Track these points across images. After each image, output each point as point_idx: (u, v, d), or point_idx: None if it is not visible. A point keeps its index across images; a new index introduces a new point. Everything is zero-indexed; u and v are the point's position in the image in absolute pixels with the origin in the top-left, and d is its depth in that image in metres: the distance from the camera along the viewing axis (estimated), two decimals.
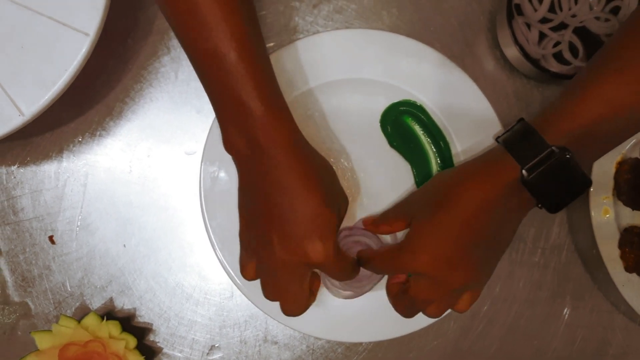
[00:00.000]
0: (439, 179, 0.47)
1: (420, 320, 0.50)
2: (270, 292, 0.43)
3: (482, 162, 0.44)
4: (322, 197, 0.40)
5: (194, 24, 0.38)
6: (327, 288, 0.51)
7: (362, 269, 0.48)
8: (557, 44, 0.51)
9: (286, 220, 0.40)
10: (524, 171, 0.40)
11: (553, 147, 0.40)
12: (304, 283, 0.42)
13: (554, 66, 0.51)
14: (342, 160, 0.52)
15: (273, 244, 0.40)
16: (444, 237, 0.41)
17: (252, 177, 0.41)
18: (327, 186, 0.42)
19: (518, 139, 0.42)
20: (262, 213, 0.41)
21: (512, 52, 0.51)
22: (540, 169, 0.40)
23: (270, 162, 0.39)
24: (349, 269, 0.44)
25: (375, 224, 0.49)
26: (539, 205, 0.42)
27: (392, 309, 0.47)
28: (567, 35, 0.51)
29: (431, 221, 0.42)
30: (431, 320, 0.50)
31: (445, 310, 0.44)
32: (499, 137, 0.43)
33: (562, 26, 0.51)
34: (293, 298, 0.42)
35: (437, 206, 0.43)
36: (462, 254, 0.41)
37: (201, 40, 0.38)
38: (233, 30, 0.37)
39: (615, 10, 0.51)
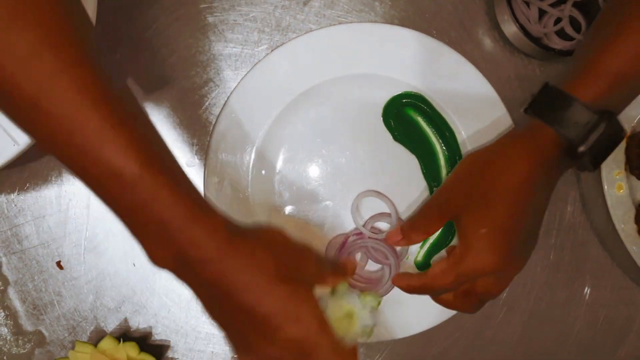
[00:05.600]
0: (473, 165, 0.44)
1: (440, 314, 0.50)
2: None
3: (518, 140, 0.43)
4: (280, 277, 0.34)
5: (76, 149, 0.30)
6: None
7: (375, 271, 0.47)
8: (558, 20, 0.50)
9: (256, 317, 0.34)
10: (572, 143, 0.39)
11: (599, 114, 0.39)
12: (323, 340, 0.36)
13: (557, 43, 0.50)
14: (346, 158, 0.51)
15: (257, 345, 0.35)
16: (501, 233, 0.41)
17: (203, 288, 0.35)
18: (280, 259, 0.35)
19: (553, 108, 0.40)
20: (229, 318, 0.35)
21: (512, 32, 0.50)
22: (593, 139, 0.39)
23: (213, 271, 0.33)
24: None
25: (406, 236, 0.45)
26: (579, 168, 0.42)
27: (409, 307, 0.47)
28: (567, 10, 0.50)
29: (483, 218, 0.41)
30: (450, 314, 0.50)
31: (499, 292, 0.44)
32: (526, 108, 0.42)
33: (562, 1, 0.50)
34: None
35: (483, 199, 0.41)
36: (519, 243, 0.41)
37: (91, 163, 0.30)
38: (128, 140, 0.30)
39: None
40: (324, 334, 0.35)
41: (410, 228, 0.46)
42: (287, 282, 0.35)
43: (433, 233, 0.45)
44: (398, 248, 0.51)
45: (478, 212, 0.41)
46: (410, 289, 0.45)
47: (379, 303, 0.43)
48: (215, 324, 0.37)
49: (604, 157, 0.42)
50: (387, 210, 0.51)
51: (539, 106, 0.41)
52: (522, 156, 0.41)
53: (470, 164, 0.45)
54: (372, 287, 0.50)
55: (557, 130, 0.40)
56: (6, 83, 0.29)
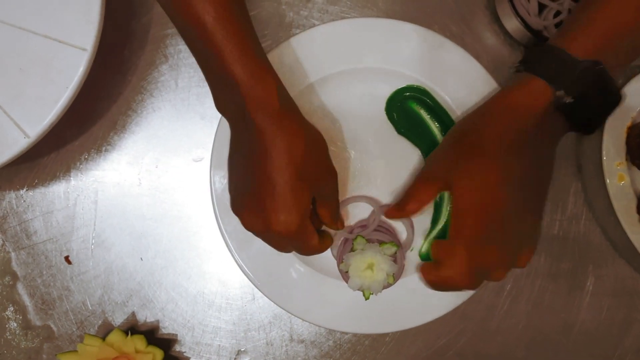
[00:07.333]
0: (463, 128, 0.44)
1: (445, 305, 0.50)
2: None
3: (505, 97, 0.42)
4: (297, 170, 0.39)
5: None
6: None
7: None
8: (557, 13, 0.50)
9: (259, 188, 0.40)
10: (558, 93, 0.38)
11: (586, 62, 0.37)
12: (293, 243, 0.42)
13: None
14: (350, 151, 0.52)
15: (250, 208, 0.41)
16: (495, 196, 0.39)
17: (240, 139, 0.41)
18: (305, 158, 0.40)
19: (543, 61, 0.39)
20: (243, 174, 0.41)
21: (513, 25, 0.51)
22: (577, 88, 0.38)
23: (254, 129, 0.39)
24: (315, 246, 0.42)
25: (400, 208, 0.45)
26: (574, 130, 0.40)
27: (414, 298, 0.47)
28: (567, 3, 0.50)
29: (470, 175, 0.40)
30: (456, 303, 0.50)
31: (509, 270, 0.41)
32: (518, 65, 0.41)
33: None
34: (294, 248, 0.43)
35: (473, 161, 0.40)
36: (516, 209, 0.39)
37: (180, 8, 0.38)
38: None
39: None
40: (302, 228, 0.40)
41: (405, 198, 0.45)
42: (300, 180, 0.39)
43: (427, 202, 0.43)
44: (402, 239, 0.51)
45: (470, 179, 0.40)
46: (432, 283, 0.42)
47: (396, 250, 0.48)
48: (229, 171, 0.43)
49: (597, 118, 0.40)
50: (385, 202, 0.51)
51: (530, 61, 0.41)
52: (510, 114, 0.40)
53: (455, 129, 0.45)
54: (388, 237, 0.50)
55: (545, 81, 0.39)
56: None
